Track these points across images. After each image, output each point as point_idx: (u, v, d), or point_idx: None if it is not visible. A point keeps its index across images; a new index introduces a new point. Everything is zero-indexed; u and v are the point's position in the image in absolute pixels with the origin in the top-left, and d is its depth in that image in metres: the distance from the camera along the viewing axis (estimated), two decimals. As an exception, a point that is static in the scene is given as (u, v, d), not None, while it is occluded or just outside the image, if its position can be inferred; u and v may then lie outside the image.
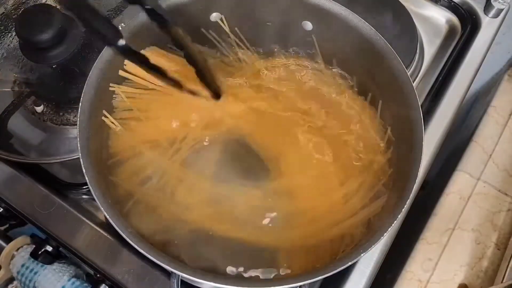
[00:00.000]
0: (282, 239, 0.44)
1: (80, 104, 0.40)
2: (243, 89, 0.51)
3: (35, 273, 0.52)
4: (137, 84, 0.47)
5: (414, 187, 0.39)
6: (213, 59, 0.52)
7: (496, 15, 0.69)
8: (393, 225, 0.37)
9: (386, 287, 0.56)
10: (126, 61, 0.45)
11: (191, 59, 0.41)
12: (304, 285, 0.35)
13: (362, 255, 0.36)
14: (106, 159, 0.45)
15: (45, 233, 0.51)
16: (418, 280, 0.56)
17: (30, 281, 0.52)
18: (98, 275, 0.50)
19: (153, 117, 0.48)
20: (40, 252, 0.52)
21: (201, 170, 0.47)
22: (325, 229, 0.44)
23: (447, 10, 0.71)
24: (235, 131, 0.49)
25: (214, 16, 0.50)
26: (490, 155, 0.65)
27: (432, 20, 0.72)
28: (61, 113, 0.54)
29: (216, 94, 0.44)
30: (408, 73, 0.44)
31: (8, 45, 0.56)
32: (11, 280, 0.56)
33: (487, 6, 0.69)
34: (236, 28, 0.51)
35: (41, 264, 0.52)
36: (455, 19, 0.71)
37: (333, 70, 0.52)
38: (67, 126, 0.54)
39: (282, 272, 0.42)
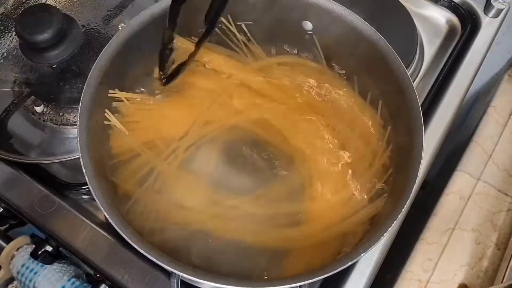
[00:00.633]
0: (282, 239, 0.44)
1: (80, 104, 0.40)
2: (241, 89, 0.51)
3: (35, 273, 0.52)
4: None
5: (414, 187, 0.39)
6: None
7: (496, 15, 0.69)
8: (393, 225, 0.37)
9: (386, 287, 0.56)
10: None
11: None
12: (304, 285, 0.35)
13: (362, 255, 0.36)
14: (106, 159, 0.45)
15: (45, 233, 0.51)
16: (418, 280, 0.56)
17: (30, 281, 0.52)
18: (98, 275, 0.50)
19: (153, 118, 0.48)
20: (40, 252, 0.52)
21: (201, 170, 0.47)
22: (324, 230, 0.44)
23: (447, 10, 0.71)
24: (235, 130, 0.49)
25: None
26: (490, 155, 0.65)
27: (432, 20, 0.72)
28: (61, 113, 0.54)
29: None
30: (408, 73, 0.44)
31: (8, 45, 0.56)
32: (11, 280, 0.56)
33: (487, 6, 0.69)
34: (243, 25, 0.51)
35: (41, 264, 0.52)
36: (455, 19, 0.71)
37: (333, 69, 0.52)
38: (67, 126, 0.54)
39: (282, 272, 0.42)
